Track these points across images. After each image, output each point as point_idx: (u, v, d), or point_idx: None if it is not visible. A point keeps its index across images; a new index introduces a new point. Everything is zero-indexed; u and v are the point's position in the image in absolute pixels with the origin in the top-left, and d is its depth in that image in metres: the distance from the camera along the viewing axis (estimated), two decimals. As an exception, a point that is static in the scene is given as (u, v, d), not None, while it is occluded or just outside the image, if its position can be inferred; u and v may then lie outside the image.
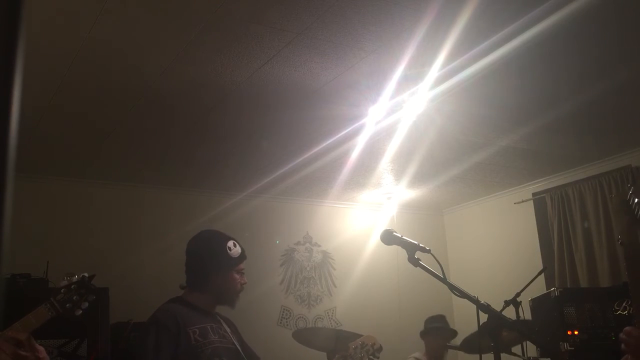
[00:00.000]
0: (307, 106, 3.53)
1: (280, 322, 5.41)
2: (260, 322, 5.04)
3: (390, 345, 3.07)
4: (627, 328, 1.63)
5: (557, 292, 3.59)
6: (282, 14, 2.54)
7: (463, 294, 1.80)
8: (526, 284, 3.68)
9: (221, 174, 4.88)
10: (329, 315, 5.63)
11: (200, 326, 2.15)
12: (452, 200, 6.08)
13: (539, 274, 3.87)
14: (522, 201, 5.41)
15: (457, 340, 4.01)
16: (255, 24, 2.62)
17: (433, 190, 5.58)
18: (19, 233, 4.14)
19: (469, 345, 3.81)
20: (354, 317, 5.52)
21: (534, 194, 5.38)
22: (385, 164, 4.69)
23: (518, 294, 3.59)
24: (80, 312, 2.02)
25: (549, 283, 4.91)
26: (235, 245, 2.32)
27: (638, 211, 1.55)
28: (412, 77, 3.14)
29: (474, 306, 1.79)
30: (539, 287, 4.34)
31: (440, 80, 3.18)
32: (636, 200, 1.55)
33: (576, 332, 3.44)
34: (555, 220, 5.06)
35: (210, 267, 2.26)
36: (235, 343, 2.25)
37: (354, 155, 4.34)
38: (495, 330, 1.77)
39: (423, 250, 1.86)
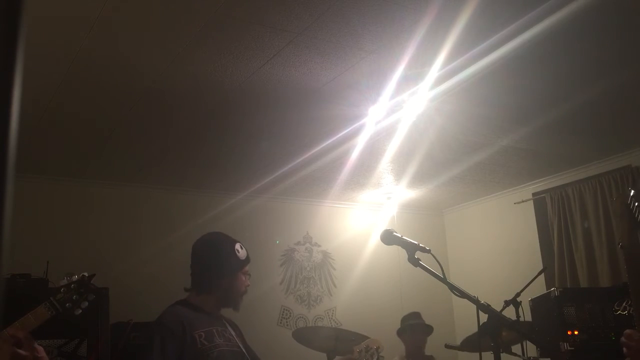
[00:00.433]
0: (307, 106, 3.53)
1: (280, 322, 5.41)
2: (260, 322, 5.04)
3: (390, 345, 3.08)
4: (628, 331, 1.62)
5: (557, 292, 3.58)
6: (282, 14, 2.54)
7: (463, 294, 1.80)
8: (526, 284, 3.69)
9: (221, 174, 4.88)
10: (329, 315, 5.63)
11: (206, 329, 2.15)
12: (452, 200, 6.08)
13: (539, 274, 3.87)
14: (522, 201, 5.41)
15: (457, 341, 4.01)
16: (255, 24, 2.62)
17: (433, 190, 5.58)
18: (19, 233, 4.14)
19: (469, 345, 3.82)
20: (354, 317, 5.52)
21: (534, 194, 5.38)
22: (385, 164, 4.69)
23: (518, 294, 3.59)
24: (80, 311, 2.02)
25: (549, 283, 4.91)
26: (242, 248, 2.34)
27: (638, 215, 1.54)
28: (412, 77, 3.14)
29: (474, 306, 1.79)
30: (539, 287, 4.35)
31: (440, 80, 3.18)
32: (637, 203, 1.55)
33: (576, 332, 3.44)
34: (555, 220, 5.06)
35: (220, 270, 2.26)
36: (240, 346, 2.26)
37: (354, 155, 4.34)
38: (495, 330, 1.77)
39: (423, 250, 1.87)
